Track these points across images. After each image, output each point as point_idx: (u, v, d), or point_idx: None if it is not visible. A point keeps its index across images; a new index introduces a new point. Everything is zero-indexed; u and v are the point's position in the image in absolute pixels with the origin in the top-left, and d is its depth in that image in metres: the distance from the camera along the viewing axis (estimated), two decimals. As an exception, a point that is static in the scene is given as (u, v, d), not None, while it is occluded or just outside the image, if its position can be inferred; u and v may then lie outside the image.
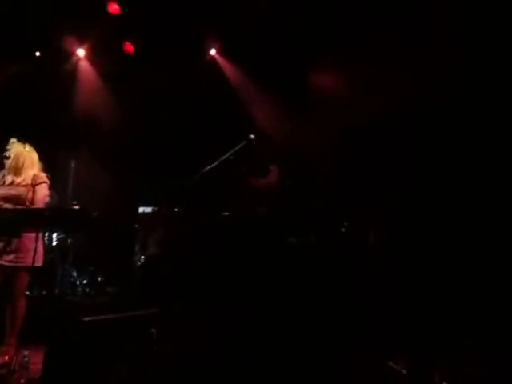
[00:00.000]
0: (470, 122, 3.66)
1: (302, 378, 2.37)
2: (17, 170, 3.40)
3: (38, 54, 5.67)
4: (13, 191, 3.34)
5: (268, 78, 5.21)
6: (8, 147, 3.41)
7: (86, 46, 5.72)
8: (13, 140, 3.45)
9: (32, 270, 3.32)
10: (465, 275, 3.61)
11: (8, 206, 3.29)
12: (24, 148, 3.47)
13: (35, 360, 2.98)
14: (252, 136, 3.68)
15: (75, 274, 5.03)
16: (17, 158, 3.41)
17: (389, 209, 4.05)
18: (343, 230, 4.09)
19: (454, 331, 3.10)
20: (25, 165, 3.42)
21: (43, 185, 3.44)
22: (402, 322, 3.32)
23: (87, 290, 5.02)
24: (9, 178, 3.39)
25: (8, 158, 3.37)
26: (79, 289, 4.97)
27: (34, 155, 3.51)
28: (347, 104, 4.62)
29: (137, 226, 5.25)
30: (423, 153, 4.05)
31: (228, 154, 3.42)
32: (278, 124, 4.59)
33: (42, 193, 3.43)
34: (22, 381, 2.81)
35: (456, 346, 2.85)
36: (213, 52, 5.78)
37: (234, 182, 3.72)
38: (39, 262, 3.38)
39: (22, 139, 3.49)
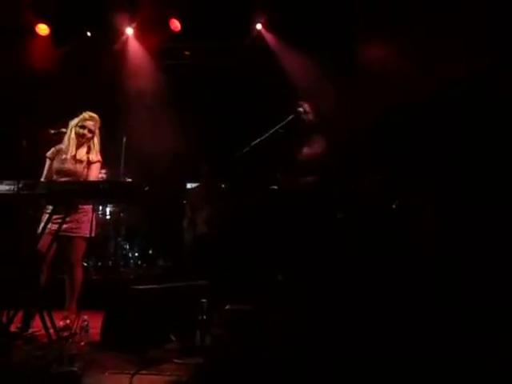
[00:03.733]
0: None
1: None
2: (87, 148, 3.50)
3: (88, 33, 5.80)
4: (69, 166, 3.46)
5: (315, 51, 5.08)
6: (88, 122, 3.48)
7: (134, 24, 5.79)
8: (95, 117, 3.53)
9: (86, 240, 3.47)
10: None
11: (64, 179, 3.43)
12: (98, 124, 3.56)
13: (94, 325, 3.14)
14: (300, 109, 3.64)
15: (127, 247, 5.23)
16: (94, 137, 3.52)
17: (444, 189, 3.89)
18: (394, 206, 3.98)
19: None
20: (95, 146, 3.54)
21: (98, 164, 3.57)
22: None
23: (139, 262, 5.21)
24: (70, 153, 3.48)
25: (64, 133, 3.46)
26: (131, 261, 5.17)
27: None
28: (397, 77, 4.45)
29: (184, 201, 5.36)
30: (480, 130, 3.84)
31: (277, 128, 3.39)
32: (326, 97, 4.49)
33: (96, 172, 3.55)
34: (83, 343, 2.96)
35: None
36: (259, 27, 5.69)
37: (283, 155, 3.65)
38: (92, 234, 3.51)
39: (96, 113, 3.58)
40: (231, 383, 2.27)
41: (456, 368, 2.14)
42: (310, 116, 3.71)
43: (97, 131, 3.56)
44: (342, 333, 2.34)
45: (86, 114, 3.51)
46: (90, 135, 3.49)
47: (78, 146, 3.49)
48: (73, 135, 3.47)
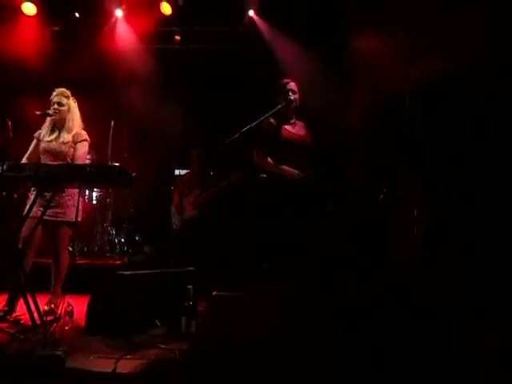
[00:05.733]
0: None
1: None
2: (64, 126, 3.44)
3: (77, 14, 5.68)
4: (54, 145, 3.41)
5: (308, 38, 5.05)
6: (55, 98, 3.43)
7: (123, 6, 5.68)
8: (62, 90, 3.48)
9: (71, 225, 3.41)
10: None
11: (49, 161, 3.38)
12: (73, 101, 3.51)
13: (79, 309, 3.12)
14: (291, 97, 3.60)
15: (113, 233, 5.20)
16: (69, 112, 3.45)
17: (434, 181, 3.90)
18: (381, 197, 4.01)
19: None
20: (72, 122, 3.47)
21: (84, 143, 3.49)
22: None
23: (125, 248, 5.19)
24: (54, 134, 3.44)
25: (50, 115, 3.40)
26: (117, 247, 5.14)
27: (78, 110, 3.55)
28: (389, 68, 4.44)
29: (172, 187, 5.32)
30: (475, 123, 3.84)
31: (267, 115, 3.37)
32: (318, 86, 4.46)
33: (83, 151, 3.48)
34: (67, 327, 2.94)
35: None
36: (251, 13, 5.63)
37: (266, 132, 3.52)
38: (78, 218, 3.45)
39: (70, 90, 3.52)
40: (216, 370, 2.28)
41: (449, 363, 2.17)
42: (297, 96, 3.65)
43: (71, 104, 3.48)
44: (329, 321, 2.36)
45: (54, 92, 3.46)
46: (63, 108, 3.42)
47: (59, 125, 3.45)
48: (49, 118, 3.43)
